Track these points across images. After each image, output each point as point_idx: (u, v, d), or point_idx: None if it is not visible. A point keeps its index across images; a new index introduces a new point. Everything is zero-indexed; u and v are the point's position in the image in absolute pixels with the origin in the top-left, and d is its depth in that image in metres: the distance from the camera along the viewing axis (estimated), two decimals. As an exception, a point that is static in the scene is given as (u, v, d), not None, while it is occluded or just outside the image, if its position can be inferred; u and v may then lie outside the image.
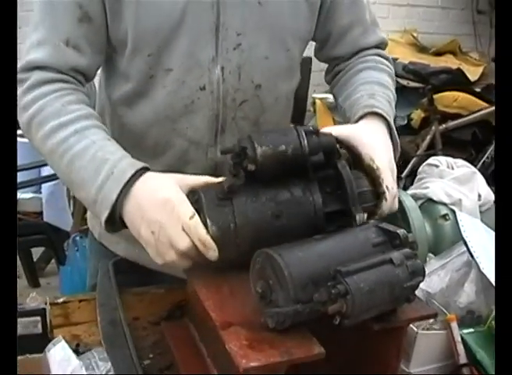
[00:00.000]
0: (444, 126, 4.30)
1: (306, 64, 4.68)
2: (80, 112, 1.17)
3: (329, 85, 1.52)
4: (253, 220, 1.02)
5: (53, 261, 3.85)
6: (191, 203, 1.03)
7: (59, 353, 1.03)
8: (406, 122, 4.39)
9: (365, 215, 1.08)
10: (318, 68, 4.81)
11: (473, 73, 4.53)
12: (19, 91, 1.18)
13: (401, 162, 4.30)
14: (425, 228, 1.37)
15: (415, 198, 1.45)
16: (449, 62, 4.73)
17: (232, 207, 1.02)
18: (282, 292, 0.89)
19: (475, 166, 4.19)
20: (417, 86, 4.34)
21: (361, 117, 1.24)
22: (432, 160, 1.58)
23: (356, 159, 1.13)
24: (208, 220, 1.01)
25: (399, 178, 4.00)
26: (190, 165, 1.33)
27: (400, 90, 4.39)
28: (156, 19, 1.20)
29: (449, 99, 4.35)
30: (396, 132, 1.25)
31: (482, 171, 4.29)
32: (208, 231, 1.00)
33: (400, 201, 1.32)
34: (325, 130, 1.11)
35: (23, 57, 1.20)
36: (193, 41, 1.23)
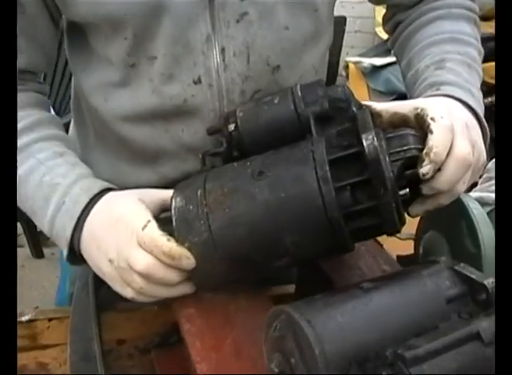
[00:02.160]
0: (489, 99, 3.94)
1: (339, 24, 4.40)
2: (23, 123, 0.92)
3: (386, 39, 1.18)
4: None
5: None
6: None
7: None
8: (447, 93, 4.01)
9: (407, 191, 0.77)
10: (353, 29, 4.63)
11: (523, 41, 4.14)
12: None
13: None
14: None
15: (482, 203, 1.12)
16: (497, 27, 4.33)
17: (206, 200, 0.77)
18: (310, 377, 0.58)
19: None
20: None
21: None
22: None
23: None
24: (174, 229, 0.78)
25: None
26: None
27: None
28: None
29: (496, 70, 3.97)
30: (483, 119, 0.91)
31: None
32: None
33: (464, 209, 1.00)
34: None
35: None
36: (180, 16, 0.90)
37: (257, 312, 0.77)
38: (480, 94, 0.94)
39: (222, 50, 0.93)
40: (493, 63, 3.82)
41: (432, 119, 0.76)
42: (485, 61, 3.95)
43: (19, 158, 0.90)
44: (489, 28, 4.23)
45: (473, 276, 0.66)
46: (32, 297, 3.03)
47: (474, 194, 1.16)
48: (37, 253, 3.62)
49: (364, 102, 0.83)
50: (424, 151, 0.74)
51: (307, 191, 0.71)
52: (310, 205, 0.71)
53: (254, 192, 0.73)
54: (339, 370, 0.57)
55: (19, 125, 0.92)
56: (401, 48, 1.09)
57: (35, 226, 3.51)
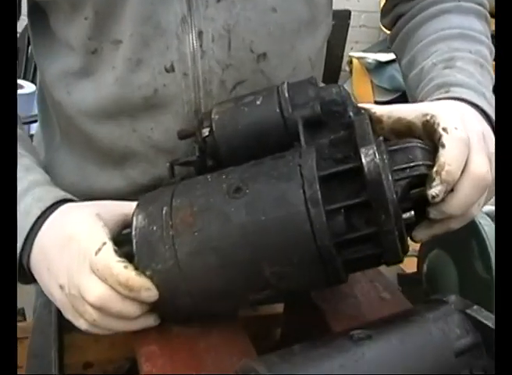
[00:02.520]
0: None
1: (344, 18, 4.31)
2: None
3: (388, 34, 1.05)
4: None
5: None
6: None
7: None
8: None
9: (412, 214, 0.65)
10: (358, 23, 4.54)
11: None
12: None
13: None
14: (510, 268, 0.93)
15: (492, 217, 1.01)
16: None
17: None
18: None
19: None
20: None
21: None
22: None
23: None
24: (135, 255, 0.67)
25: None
26: (163, 182, 0.87)
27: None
28: None
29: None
30: (493, 121, 0.79)
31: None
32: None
33: (474, 225, 0.90)
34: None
35: None
36: None
37: (231, 351, 0.66)
38: (493, 99, 0.82)
39: (200, 33, 0.82)
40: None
41: (444, 129, 0.65)
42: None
43: None
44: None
45: (488, 324, 0.55)
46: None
47: (485, 207, 1.05)
48: None
49: (362, 105, 0.71)
50: (435, 168, 0.63)
51: (293, 213, 0.59)
52: (296, 230, 0.59)
53: (229, 212, 0.62)
54: None
55: None
56: (402, 44, 0.97)
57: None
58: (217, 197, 0.64)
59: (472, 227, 0.89)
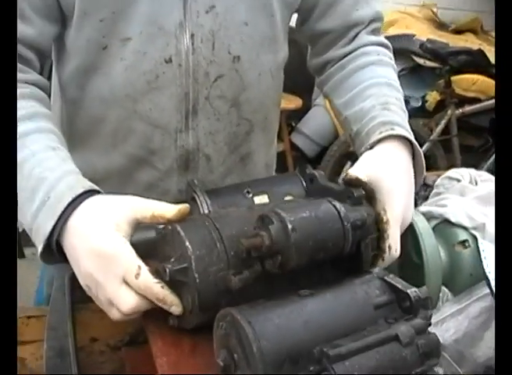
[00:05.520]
0: (461, 110, 4.08)
1: None
2: (24, 111, 0.97)
3: (316, 76, 1.29)
4: None
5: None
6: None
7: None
8: (420, 103, 4.14)
9: None
10: None
11: (494, 55, 4.28)
12: None
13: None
14: (440, 256, 1.12)
15: (429, 216, 1.22)
16: (470, 41, 4.49)
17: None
18: (250, 370, 0.67)
19: (491, 154, 4.08)
20: (434, 66, 4.08)
21: (379, 140, 1.04)
22: (452, 173, 1.34)
23: (369, 199, 0.93)
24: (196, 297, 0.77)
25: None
26: (156, 155, 1.14)
27: (416, 69, 4.19)
28: None
29: (468, 82, 4.08)
30: (421, 153, 1.06)
31: (498, 160, 4.17)
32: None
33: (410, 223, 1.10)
34: (352, 172, 0.94)
35: None
36: (156, 2, 1.05)
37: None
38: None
39: (192, 35, 1.07)
40: (464, 76, 3.96)
41: (388, 247, 0.93)
42: (456, 73, 4.10)
43: None
44: (462, 42, 4.39)
45: (399, 286, 0.76)
46: (11, 296, 3.06)
47: (424, 207, 1.26)
48: (19, 253, 3.56)
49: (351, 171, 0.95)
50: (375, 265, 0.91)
51: None
52: None
53: None
54: (274, 365, 0.66)
55: (21, 112, 0.97)
56: (335, 89, 1.20)
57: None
58: None
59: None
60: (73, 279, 1.15)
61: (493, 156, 4.09)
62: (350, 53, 1.21)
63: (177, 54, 1.07)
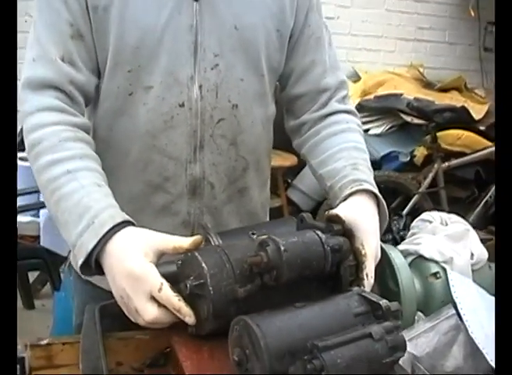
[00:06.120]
0: (447, 164, 4.28)
1: None
2: (75, 151, 1.19)
3: (292, 137, 1.52)
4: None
5: (49, 283, 3.80)
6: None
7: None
8: (408, 158, 4.36)
9: None
10: None
11: (478, 112, 4.52)
12: (22, 111, 1.23)
13: (402, 199, 4.30)
14: (414, 286, 1.33)
15: (406, 253, 1.42)
16: (455, 99, 4.72)
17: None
18: (258, 362, 0.88)
19: (477, 205, 4.28)
20: (421, 123, 4.31)
21: (351, 193, 1.26)
22: (425, 215, 1.56)
23: (349, 237, 1.13)
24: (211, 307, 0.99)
25: (399, 215, 4.00)
26: (169, 181, 1.35)
27: (404, 126, 4.44)
28: (138, 36, 1.26)
29: (453, 137, 4.33)
30: (385, 204, 1.28)
31: (484, 210, 4.32)
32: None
33: (388, 258, 1.31)
34: (332, 211, 1.17)
35: (22, 75, 1.25)
36: (173, 59, 1.28)
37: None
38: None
39: (200, 86, 1.31)
40: (449, 131, 4.19)
41: (366, 275, 1.14)
42: (442, 129, 4.35)
43: (66, 177, 1.15)
44: (447, 99, 4.63)
45: (374, 299, 0.97)
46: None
47: (401, 246, 1.48)
48: (29, 304, 3.73)
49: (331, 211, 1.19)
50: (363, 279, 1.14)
51: None
52: None
53: None
54: (277, 357, 0.87)
55: (72, 152, 1.18)
56: (311, 151, 1.43)
57: (27, 278, 3.71)
58: None
59: (387, 259, 1.31)
60: (103, 309, 1.35)
61: (480, 206, 4.29)
62: (322, 117, 1.44)
63: (188, 100, 1.31)
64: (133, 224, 1.13)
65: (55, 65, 1.23)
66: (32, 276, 3.84)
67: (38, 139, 1.19)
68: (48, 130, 1.19)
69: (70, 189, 1.14)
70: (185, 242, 1.08)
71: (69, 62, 1.24)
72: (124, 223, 1.11)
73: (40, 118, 1.21)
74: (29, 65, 1.25)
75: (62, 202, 1.15)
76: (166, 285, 1.02)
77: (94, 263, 1.11)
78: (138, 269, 1.04)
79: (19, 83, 1.23)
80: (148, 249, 1.07)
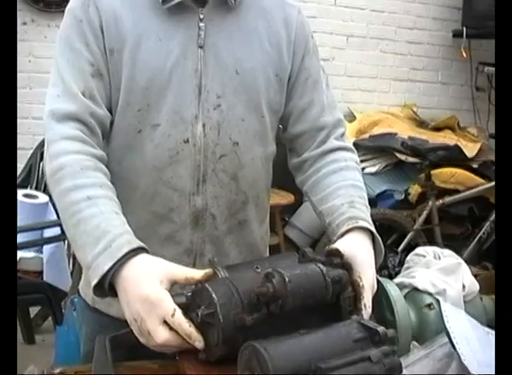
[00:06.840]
0: (441, 201, 4.34)
1: None
2: (96, 180, 1.27)
3: (294, 174, 1.59)
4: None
5: (50, 318, 3.83)
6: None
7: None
8: (403, 196, 4.41)
9: None
10: None
11: (470, 150, 4.58)
12: (46, 138, 1.32)
13: (397, 236, 4.36)
14: (409, 316, 1.41)
15: (401, 286, 1.50)
16: (448, 137, 4.78)
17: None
18: (266, 383, 0.96)
19: (471, 241, 4.34)
20: (415, 161, 4.39)
21: (347, 230, 1.33)
22: (419, 250, 1.64)
23: (348, 270, 1.20)
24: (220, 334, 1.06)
25: (395, 252, 4.06)
26: (174, 212, 1.42)
27: (399, 164, 4.51)
28: (147, 78, 1.36)
29: (447, 175, 4.40)
30: (380, 240, 1.35)
31: (478, 247, 4.37)
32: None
33: (385, 290, 1.39)
34: (332, 245, 1.25)
35: (45, 110, 1.34)
36: (179, 100, 1.38)
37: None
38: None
39: (203, 125, 1.40)
40: (443, 169, 4.25)
41: (364, 305, 1.21)
42: (436, 167, 4.40)
43: (86, 203, 1.21)
44: (441, 138, 4.72)
45: (372, 326, 1.04)
46: (24, 381, 3.13)
47: (397, 279, 1.56)
48: (29, 339, 3.76)
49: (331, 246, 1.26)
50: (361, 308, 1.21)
51: None
52: None
53: None
54: (284, 379, 0.94)
55: (93, 180, 1.25)
56: (312, 188, 1.50)
57: (28, 313, 3.74)
58: None
59: (383, 291, 1.38)
60: (112, 341, 1.41)
61: (473, 242, 4.36)
62: (322, 155, 1.50)
63: (193, 137, 1.39)
64: (147, 252, 1.19)
65: (78, 99, 1.32)
66: (32, 311, 3.86)
67: (61, 165, 1.26)
68: (70, 158, 1.27)
69: (90, 213, 1.21)
70: (197, 274, 1.15)
71: (89, 97, 1.34)
72: (139, 250, 1.18)
73: (63, 146, 1.29)
74: (53, 99, 1.34)
75: (81, 225, 1.21)
76: (179, 311, 1.08)
77: (107, 285, 1.16)
78: (154, 295, 1.10)
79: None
80: (163, 277, 1.13)
